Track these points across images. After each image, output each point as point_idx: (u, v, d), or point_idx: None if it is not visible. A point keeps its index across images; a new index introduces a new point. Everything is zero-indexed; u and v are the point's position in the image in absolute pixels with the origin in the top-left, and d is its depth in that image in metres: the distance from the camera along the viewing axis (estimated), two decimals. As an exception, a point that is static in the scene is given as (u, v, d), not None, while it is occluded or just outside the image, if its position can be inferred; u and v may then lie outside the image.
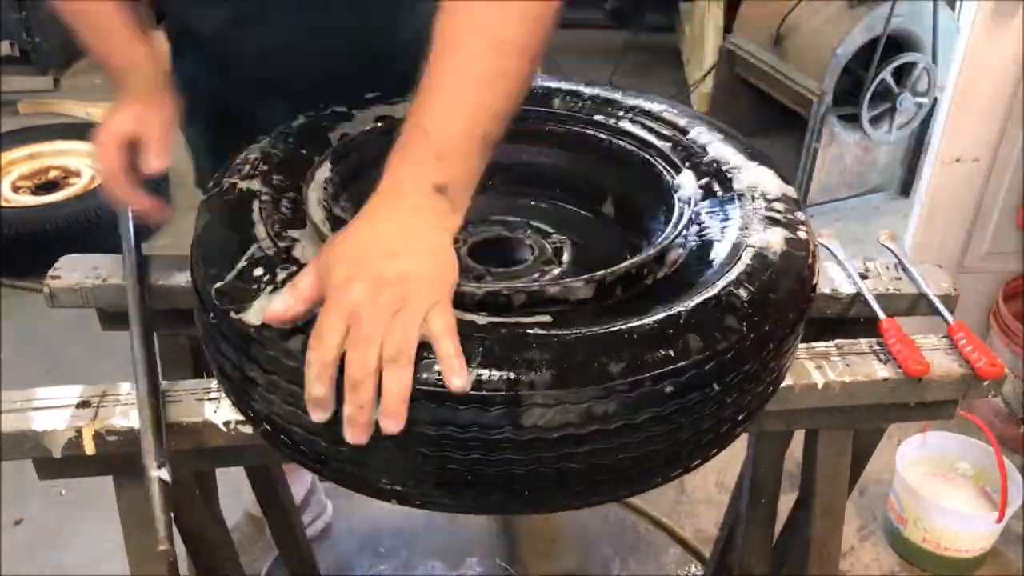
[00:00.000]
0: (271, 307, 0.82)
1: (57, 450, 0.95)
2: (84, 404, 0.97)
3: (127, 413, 0.97)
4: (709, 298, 0.90)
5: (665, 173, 1.11)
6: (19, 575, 1.94)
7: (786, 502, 1.42)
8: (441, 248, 0.84)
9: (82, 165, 3.15)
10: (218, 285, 0.90)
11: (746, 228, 1.01)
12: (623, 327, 0.84)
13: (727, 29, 3.54)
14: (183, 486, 1.13)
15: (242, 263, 0.92)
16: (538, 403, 0.80)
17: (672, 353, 0.83)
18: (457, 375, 0.78)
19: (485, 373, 0.79)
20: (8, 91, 3.88)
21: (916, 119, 3.17)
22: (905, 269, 1.27)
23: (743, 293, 0.91)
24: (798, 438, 1.28)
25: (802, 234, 1.01)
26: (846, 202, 3.32)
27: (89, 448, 0.95)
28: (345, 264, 0.80)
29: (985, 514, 1.99)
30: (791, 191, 1.09)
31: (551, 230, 1.17)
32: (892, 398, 1.12)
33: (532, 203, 1.24)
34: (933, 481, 2.10)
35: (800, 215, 1.05)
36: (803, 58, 3.14)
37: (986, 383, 1.10)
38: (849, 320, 1.23)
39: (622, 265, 0.92)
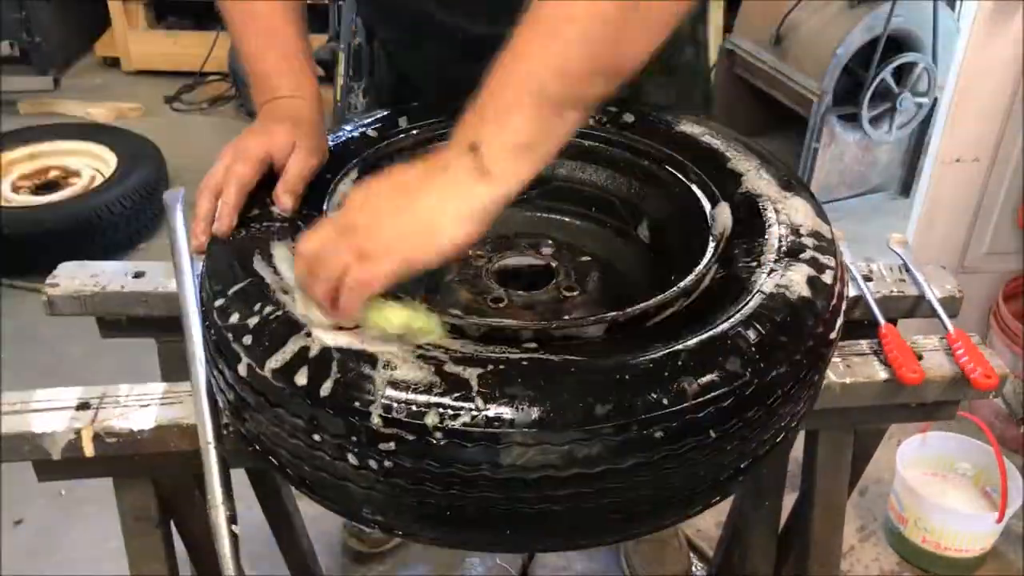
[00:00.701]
0: None
1: (56, 452, 0.95)
2: (83, 406, 0.97)
3: (126, 415, 0.97)
4: (713, 338, 0.84)
5: (700, 203, 1.05)
6: (19, 575, 1.94)
7: (787, 502, 1.42)
8: (439, 214, 0.78)
9: (82, 165, 3.15)
10: (218, 303, 0.90)
11: (769, 264, 0.95)
12: (613, 366, 0.80)
13: (727, 29, 3.53)
14: (184, 489, 1.12)
15: (241, 284, 0.91)
16: (517, 441, 0.77)
17: (664, 397, 0.79)
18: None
19: (464, 407, 0.77)
20: (8, 91, 3.87)
21: (916, 119, 3.17)
22: (910, 272, 1.27)
23: (751, 335, 0.85)
24: (798, 437, 1.28)
25: (827, 277, 0.94)
26: (846, 202, 3.31)
27: (88, 450, 0.95)
28: (358, 199, 0.83)
29: (985, 514, 1.99)
30: (825, 228, 1.02)
31: (581, 251, 1.13)
32: (892, 399, 1.12)
33: (567, 220, 1.20)
34: (933, 481, 2.09)
35: (829, 258, 0.98)
36: (803, 58, 3.13)
37: (982, 390, 1.10)
38: (851, 322, 1.23)
39: (630, 310, 0.87)
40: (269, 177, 1.03)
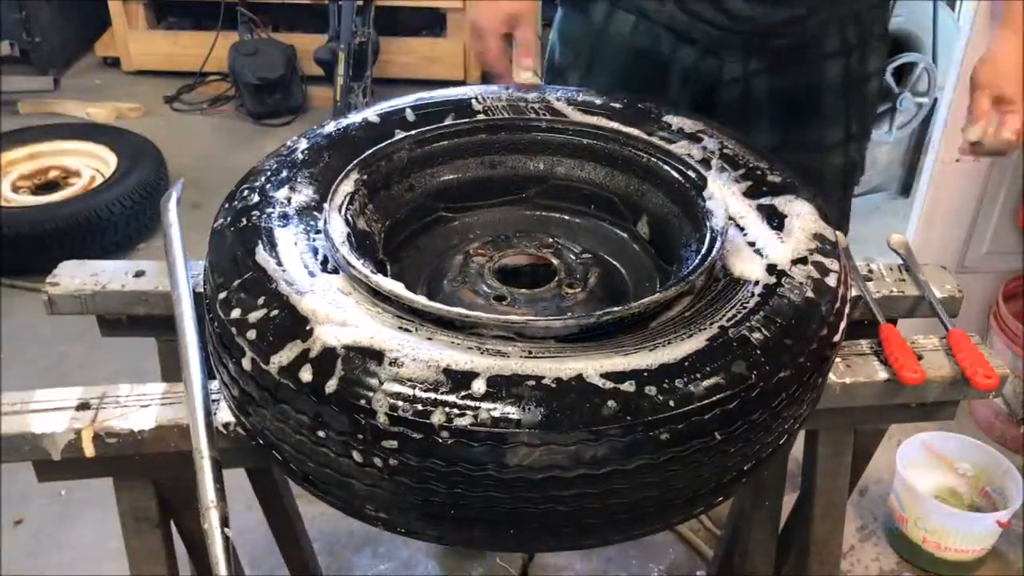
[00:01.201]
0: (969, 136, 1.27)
1: (56, 452, 0.95)
2: (83, 406, 0.97)
3: (126, 415, 0.97)
4: (718, 341, 0.84)
5: (700, 200, 1.05)
6: (19, 575, 1.94)
7: (787, 502, 1.42)
8: None
9: (82, 165, 3.15)
10: (221, 296, 0.90)
11: (772, 267, 0.95)
12: (620, 368, 0.80)
13: (727, 29, 3.53)
14: (184, 489, 1.12)
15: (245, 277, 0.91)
16: (523, 441, 0.77)
17: (671, 399, 0.79)
18: None
19: (470, 406, 0.77)
20: (8, 91, 3.87)
21: (916, 119, 3.16)
22: (910, 272, 1.27)
23: (757, 337, 0.85)
24: (798, 437, 1.28)
25: (831, 280, 0.95)
26: (846, 202, 3.31)
27: (88, 450, 0.95)
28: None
29: (985, 514, 1.99)
30: (828, 231, 1.02)
31: (582, 249, 1.13)
32: (892, 399, 1.12)
33: (566, 218, 1.20)
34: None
35: (833, 260, 0.98)
36: (803, 58, 3.13)
37: (982, 390, 1.10)
38: (851, 322, 1.23)
39: (629, 307, 0.87)
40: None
